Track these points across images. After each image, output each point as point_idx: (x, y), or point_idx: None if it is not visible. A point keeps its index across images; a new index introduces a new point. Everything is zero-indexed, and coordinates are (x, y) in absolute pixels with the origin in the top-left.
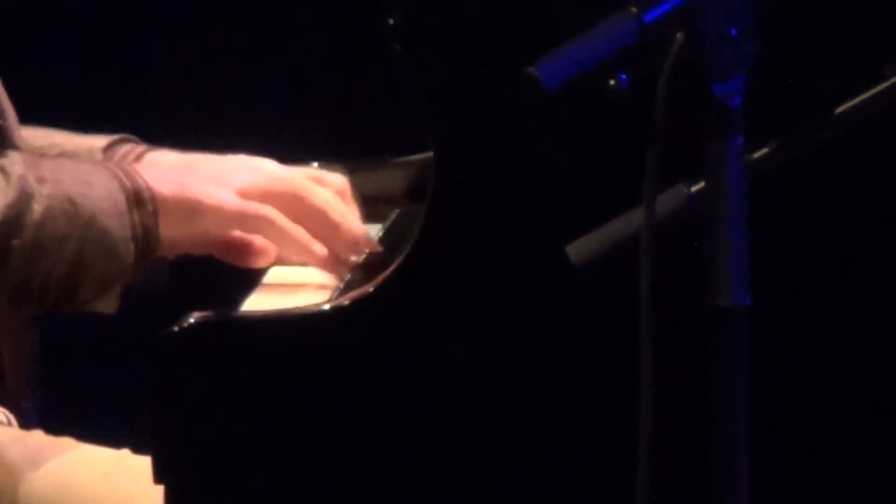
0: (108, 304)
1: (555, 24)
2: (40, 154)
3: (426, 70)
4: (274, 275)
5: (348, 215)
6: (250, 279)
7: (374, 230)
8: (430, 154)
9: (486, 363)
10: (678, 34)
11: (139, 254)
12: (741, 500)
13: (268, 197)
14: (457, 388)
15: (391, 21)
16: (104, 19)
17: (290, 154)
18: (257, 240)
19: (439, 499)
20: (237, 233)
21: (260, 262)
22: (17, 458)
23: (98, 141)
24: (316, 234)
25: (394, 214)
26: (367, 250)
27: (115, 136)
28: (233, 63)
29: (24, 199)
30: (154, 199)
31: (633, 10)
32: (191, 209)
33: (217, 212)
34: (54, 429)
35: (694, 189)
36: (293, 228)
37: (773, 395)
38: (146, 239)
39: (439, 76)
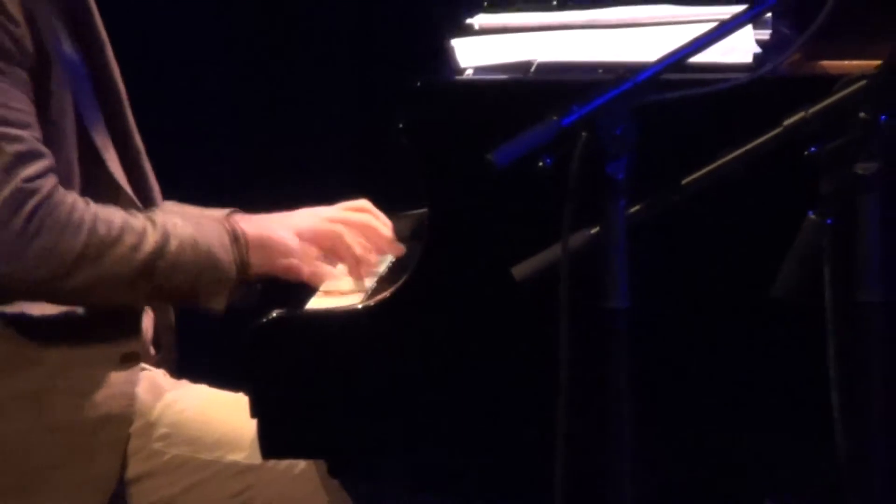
0: (218, 303)
1: (506, 125)
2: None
3: (423, 156)
4: (325, 285)
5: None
6: (311, 289)
7: (388, 259)
8: (425, 209)
9: (465, 345)
10: (583, 133)
11: (238, 272)
12: (624, 472)
13: (317, 234)
14: (445, 361)
15: (400, 125)
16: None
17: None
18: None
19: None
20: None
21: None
22: (171, 395)
23: (219, 212)
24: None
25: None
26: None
27: (228, 210)
28: (293, 144)
29: (165, 237)
30: (246, 237)
31: (555, 117)
32: (268, 243)
33: (283, 246)
34: (193, 380)
35: (593, 231)
36: (326, 270)
37: (654, 377)
38: (241, 263)
39: (431, 160)
